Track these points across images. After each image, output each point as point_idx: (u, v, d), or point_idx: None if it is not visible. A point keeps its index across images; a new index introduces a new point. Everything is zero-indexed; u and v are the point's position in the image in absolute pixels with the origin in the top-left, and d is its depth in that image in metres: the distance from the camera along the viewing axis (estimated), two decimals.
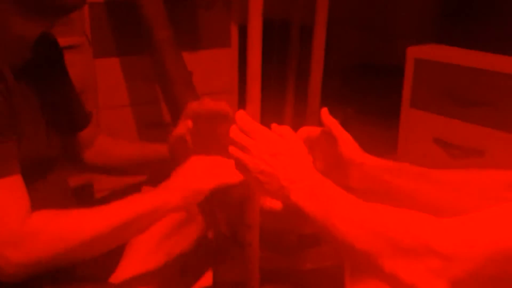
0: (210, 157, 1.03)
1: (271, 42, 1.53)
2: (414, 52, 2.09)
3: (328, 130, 0.99)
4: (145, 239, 1.19)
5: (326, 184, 0.81)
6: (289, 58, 2.16)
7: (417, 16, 2.55)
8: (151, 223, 0.99)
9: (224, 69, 2.18)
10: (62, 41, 1.21)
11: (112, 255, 1.13)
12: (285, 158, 0.86)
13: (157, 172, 1.27)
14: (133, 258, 1.13)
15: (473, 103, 1.90)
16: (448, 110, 1.99)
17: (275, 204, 1.00)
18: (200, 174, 1.00)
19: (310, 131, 1.02)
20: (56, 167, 1.11)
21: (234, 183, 0.98)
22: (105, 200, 1.00)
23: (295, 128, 0.95)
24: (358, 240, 0.70)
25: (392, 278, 0.66)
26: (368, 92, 2.55)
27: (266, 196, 0.94)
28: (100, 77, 1.91)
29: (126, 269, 1.10)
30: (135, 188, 1.23)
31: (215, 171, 1.00)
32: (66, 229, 0.90)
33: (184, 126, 1.16)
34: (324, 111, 0.99)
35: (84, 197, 1.77)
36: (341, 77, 2.65)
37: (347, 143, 0.98)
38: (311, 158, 0.89)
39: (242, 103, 2.26)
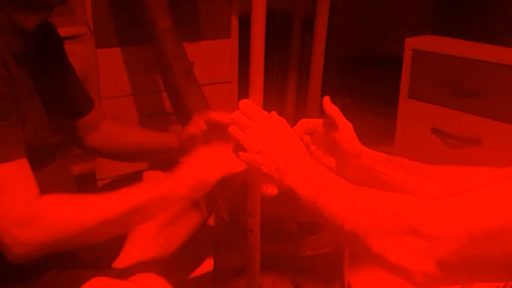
0: (216, 148, 1.04)
1: (273, 33, 1.54)
2: (413, 43, 2.10)
3: (330, 118, 1.01)
4: (147, 226, 1.20)
5: (320, 169, 0.83)
6: (290, 49, 2.17)
7: (415, 7, 2.56)
8: (156, 211, 1.01)
9: (224, 60, 2.19)
10: (64, 32, 1.23)
11: (115, 241, 1.15)
12: (283, 141, 0.88)
13: (160, 161, 1.29)
14: (135, 244, 1.14)
15: (470, 93, 1.91)
16: (446, 101, 2.00)
17: (276, 190, 1.01)
18: (207, 165, 1.01)
19: (309, 122, 1.04)
20: (59, 154, 1.12)
21: (239, 172, 0.99)
22: (107, 188, 1.01)
23: (296, 117, 0.97)
24: (347, 221, 0.73)
25: (379, 258, 0.68)
26: (366, 82, 2.56)
27: (262, 179, 0.95)
28: (101, 67, 1.91)
29: (128, 255, 1.12)
30: (136, 177, 1.25)
31: (221, 162, 1.02)
32: (76, 212, 0.92)
33: (197, 127, 1.17)
34: (326, 99, 1.00)
35: (86, 185, 1.79)
36: (340, 68, 2.66)
37: (347, 132, 1.00)
38: (305, 148, 0.90)
39: (242, 93, 2.28)
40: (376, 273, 0.72)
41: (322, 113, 1.04)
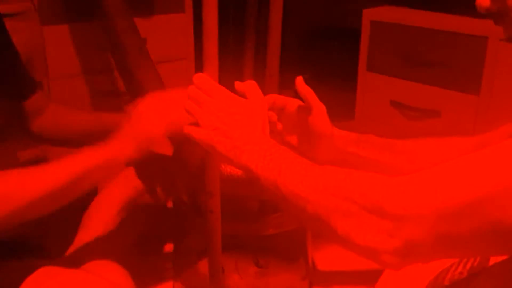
0: (158, 101, 0.98)
1: (227, 6, 1.50)
2: (370, 14, 2.09)
3: (304, 99, 0.98)
4: (102, 211, 1.16)
5: (280, 148, 0.79)
6: (246, 22, 2.12)
7: None
8: (105, 176, 0.97)
9: (179, 35, 2.12)
10: (5, 8, 1.15)
11: (69, 228, 1.10)
12: (241, 118, 0.84)
13: None
14: (90, 231, 1.11)
15: (428, 64, 1.92)
16: (404, 73, 2.00)
17: (236, 169, 0.98)
18: (151, 120, 0.95)
19: (277, 98, 1.00)
20: (2, 139, 1.06)
21: (182, 127, 0.93)
22: None
23: None
24: (309, 202, 0.69)
25: (344, 240, 0.65)
26: (325, 56, 2.54)
27: (218, 157, 0.92)
28: (48, 45, 1.82)
29: (82, 242, 1.08)
30: None
31: (164, 114, 0.96)
32: (17, 186, 0.87)
33: None
34: (299, 80, 0.97)
35: None
36: (299, 41, 2.63)
37: (320, 115, 0.97)
38: (267, 124, 0.87)
39: (199, 69, 2.22)
40: (339, 249, 0.69)
41: (281, 88, 1.00)
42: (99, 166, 0.92)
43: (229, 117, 0.83)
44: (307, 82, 0.98)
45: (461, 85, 1.86)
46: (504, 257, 0.69)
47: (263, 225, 1.17)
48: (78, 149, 1.18)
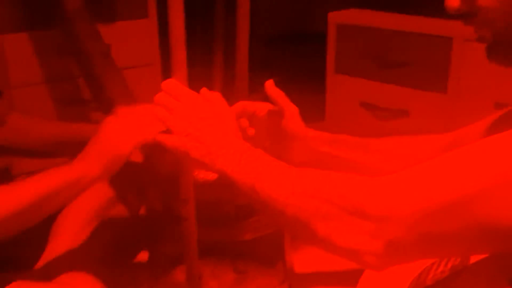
0: (124, 117, 0.95)
1: (194, 10, 1.48)
2: (335, 18, 2.10)
3: (275, 103, 0.97)
4: (72, 221, 1.13)
5: (255, 152, 0.79)
6: (214, 26, 2.11)
7: None
8: (71, 196, 0.93)
9: (143, 41, 2.09)
10: None
11: (38, 239, 1.07)
12: (214, 123, 0.83)
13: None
14: (60, 241, 1.08)
15: (395, 64, 1.94)
16: (372, 73, 2.02)
17: (210, 175, 0.96)
18: (118, 138, 0.92)
19: (246, 105, 0.99)
20: None
21: (152, 139, 0.90)
22: None
23: (224, 97, 0.92)
24: (288, 206, 0.68)
25: (326, 243, 0.65)
26: (294, 59, 2.56)
27: (192, 163, 0.90)
28: (9, 54, 1.76)
29: (53, 253, 1.05)
30: None
31: (131, 130, 0.93)
32: None
33: None
34: (270, 83, 0.97)
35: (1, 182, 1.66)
36: (267, 46, 2.63)
37: (293, 117, 0.97)
38: (238, 129, 0.87)
39: (166, 75, 2.19)
40: (318, 250, 0.68)
41: (250, 91, 1.00)
42: (64, 187, 0.89)
43: (201, 122, 0.82)
44: (276, 85, 0.98)
45: (429, 84, 1.89)
46: (485, 255, 0.70)
47: (240, 230, 1.16)
48: (43, 160, 1.15)
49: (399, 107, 1.96)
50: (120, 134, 0.92)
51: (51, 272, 0.97)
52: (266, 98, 1.00)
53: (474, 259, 0.78)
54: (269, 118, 0.99)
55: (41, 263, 1.02)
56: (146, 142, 0.92)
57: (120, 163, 0.92)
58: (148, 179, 1.22)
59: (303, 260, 1.25)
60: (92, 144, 0.93)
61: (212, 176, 1.15)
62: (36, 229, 1.03)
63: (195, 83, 1.14)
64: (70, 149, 1.24)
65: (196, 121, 0.82)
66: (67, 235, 1.09)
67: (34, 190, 0.87)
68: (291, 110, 0.97)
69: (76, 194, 0.93)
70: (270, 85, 0.97)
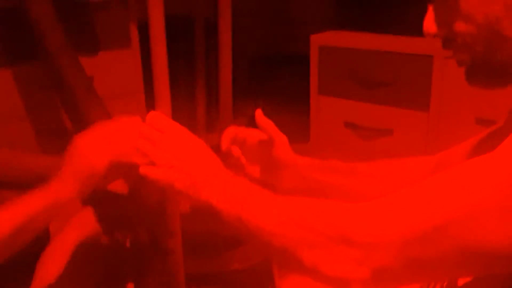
0: (95, 133, 0.90)
1: (175, 40, 1.48)
2: (317, 40, 2.12)
3: (265, 132, 0.98)
4: (58, 255, 1.11)
5: (239, 182, 0.78)
6: (195, 55, 2.12)
7: (317, 3, 2.59)
8: (48, 220, 0.90)
9: (126, 71, 2.09)
10: None
11: (24, 274, 1.05)
12: (197, 154, 0.82)
13: None
14: (46, 276, 1.07)
15: (378, 84, 1.96)
16: (355, 94, 2.04)
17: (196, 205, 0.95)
18: (91, 153, 0.88)
19: (238, 131, 0.99)
20: None
21: (131, 160, 0.89)
22: None
23: (209, 124, 0.92)
24: (275, 235, 0.68)
25: (313, 271, 0.65)
26: (277, 82, 2.57)
27: (176, 195, 0.89)
28: None
29: (40, 284, 1.04)
30: None
31: (107, 146, 0.89)
32: None
33: None
34: (259, 113, 0.98)
35: None
36: (249, 70, 2.65)
37: (282, 146, 0.98)
38: (219, 160, 0.85)
39: (149, 105, 2.19)
40: (307, 279, 0.68)
41: (235, 115, 1.00)
42: (40, 211, 0.86)
43: (184, 153, 0.82)
44: (260, 107, 0.98)
45: (411, 103, 1.90)
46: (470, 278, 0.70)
47: (228, 261, 1.15)
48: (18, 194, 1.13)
49: (383, 127, 1.97)
50: (93, 148, 0.88)
51: None
52: (251, 121, 1.00)
53: (462, 281, 0.78)
54: (259, 146, 1.00)
55: None
56: (124, 157, 0.89)
57: (96, 178, 0.88)
58: (134, 211, 1.21)
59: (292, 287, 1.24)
60: (65, 163, 0.89)
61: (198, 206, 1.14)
62: (22, 264, 1.01)
63: (178, 108, 1.14)
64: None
65: (179, 153, 0.82)
66: (52, 269, 1.07)
67: (8, 221, 0.84)
68: (280, 139, 0.98)
69: (54, 215, 0.89)
70: (259, 115, 0.98)
